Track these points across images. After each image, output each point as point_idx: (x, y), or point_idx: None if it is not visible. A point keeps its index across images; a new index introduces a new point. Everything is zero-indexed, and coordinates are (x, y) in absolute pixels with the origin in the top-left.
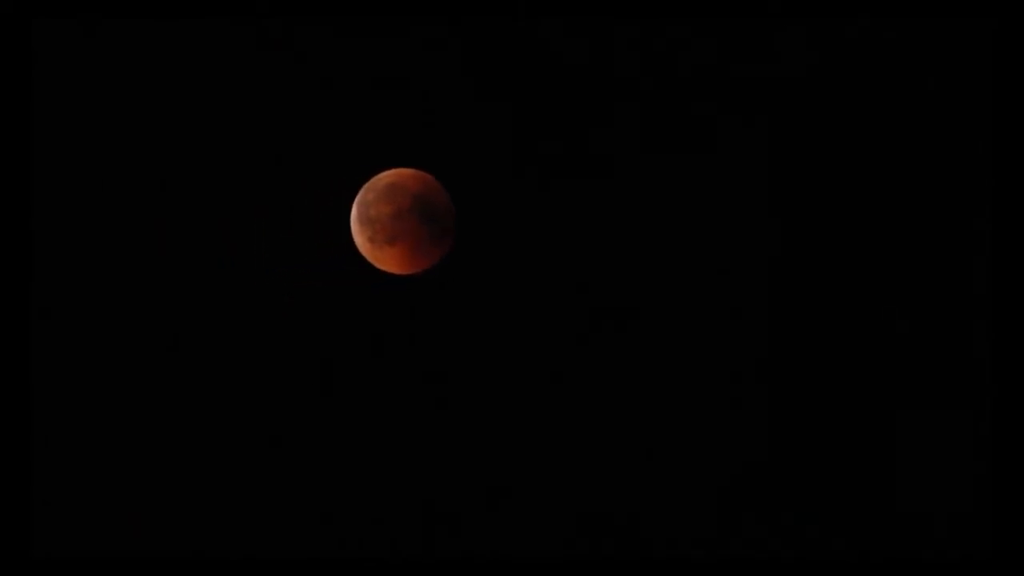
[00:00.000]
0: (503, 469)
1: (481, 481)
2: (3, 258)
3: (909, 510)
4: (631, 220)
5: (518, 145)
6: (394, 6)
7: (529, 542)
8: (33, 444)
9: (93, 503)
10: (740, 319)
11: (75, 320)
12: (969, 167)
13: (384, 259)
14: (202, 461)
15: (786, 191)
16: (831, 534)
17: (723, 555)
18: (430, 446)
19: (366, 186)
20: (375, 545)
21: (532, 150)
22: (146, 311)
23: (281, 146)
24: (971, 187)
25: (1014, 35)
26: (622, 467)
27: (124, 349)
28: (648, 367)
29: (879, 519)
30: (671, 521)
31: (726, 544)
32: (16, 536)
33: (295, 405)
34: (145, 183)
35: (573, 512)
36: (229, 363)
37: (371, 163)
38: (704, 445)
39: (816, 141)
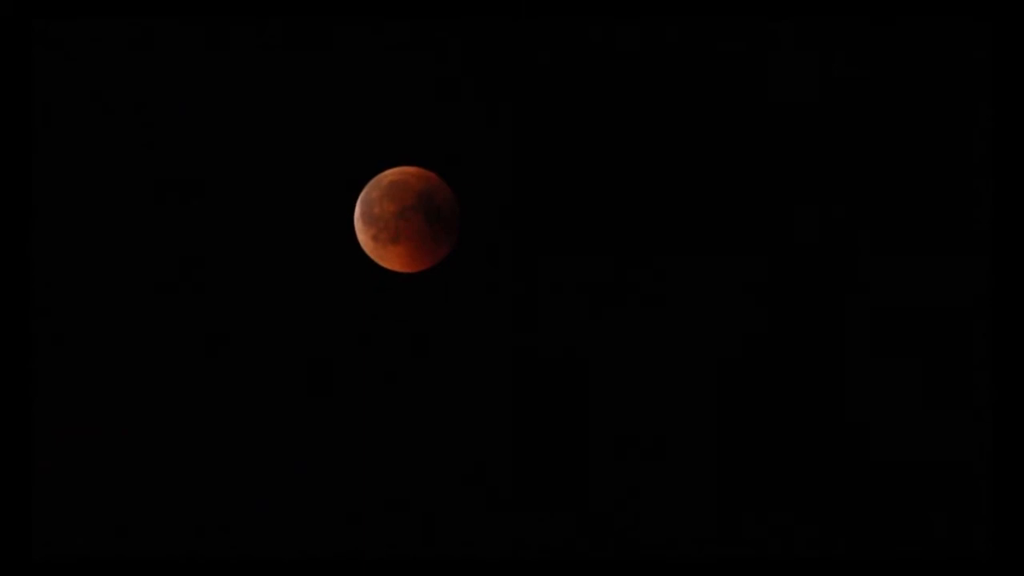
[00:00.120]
0: (503, 469)
1: (481, 481)
2: (3, 258)
3: (909, 510)
4: (632, 220)
5: (522, 143)
6: (398, 5)
7: (529, 542)
8: (33, 444)
9: (93, 503)
10: (740, 319)
11: (75, 320)
12: (969, 167)
13: (388, 257)
14: (202, 461)
15: (786, 191)
16: (831, 534)
17: (723, 555)
18: (431, 446)
19: (370, 184)
20: (375, 545)
21: (536, 148)
22: (146, 311)
23: (285, 145)
24: (971, 187)
25: (1013, 35)
26: (622, 467)
27: (124, 349)
28: (648, 367)
29: (879, 519)
30: (671, 521)
31: (726, 544)
32: (16, 536)
33: (298, 404)
34: (145, 183)
35: (573, 512)
36: (231, 363)
37: (375, 161)
38: (704, 445)
39: (816, 141)
